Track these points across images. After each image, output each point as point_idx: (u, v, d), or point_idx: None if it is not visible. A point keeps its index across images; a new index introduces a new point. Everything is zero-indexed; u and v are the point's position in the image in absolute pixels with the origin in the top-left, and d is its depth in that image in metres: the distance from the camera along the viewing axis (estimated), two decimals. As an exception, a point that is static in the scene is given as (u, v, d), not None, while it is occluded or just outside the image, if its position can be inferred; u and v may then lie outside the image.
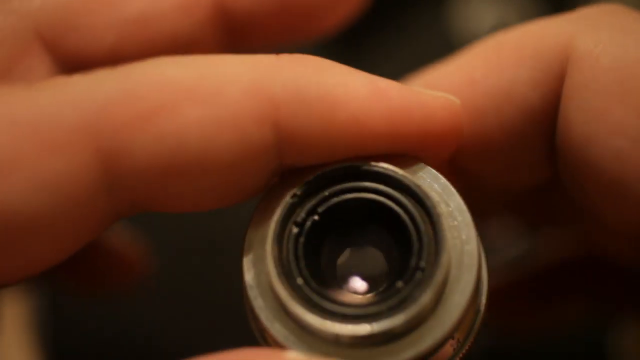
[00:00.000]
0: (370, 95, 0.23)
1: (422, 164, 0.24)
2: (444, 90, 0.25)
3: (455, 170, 0.27)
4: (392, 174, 0.24)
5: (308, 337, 0.23)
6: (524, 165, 0.27)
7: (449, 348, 0.24)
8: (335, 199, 0.24)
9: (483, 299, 0.24)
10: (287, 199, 0.24)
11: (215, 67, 0.23)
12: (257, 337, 0.24)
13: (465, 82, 0.26)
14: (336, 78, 0.23)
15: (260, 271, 0.23)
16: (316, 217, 0.24)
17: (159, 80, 0.22)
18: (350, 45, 0.52)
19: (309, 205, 0.24)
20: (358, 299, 0.24)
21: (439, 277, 0.22)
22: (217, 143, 0.22)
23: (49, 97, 0.22)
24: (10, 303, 0.47)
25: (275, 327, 0.23)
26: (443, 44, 0.51)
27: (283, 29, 0.29)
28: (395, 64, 0.51)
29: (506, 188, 0.28)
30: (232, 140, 0.22)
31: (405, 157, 0.24)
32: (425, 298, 0.22)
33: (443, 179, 0.24)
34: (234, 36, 0.28)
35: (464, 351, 0.24)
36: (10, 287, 0.23)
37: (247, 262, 0.24)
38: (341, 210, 0.24)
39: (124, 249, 0.36)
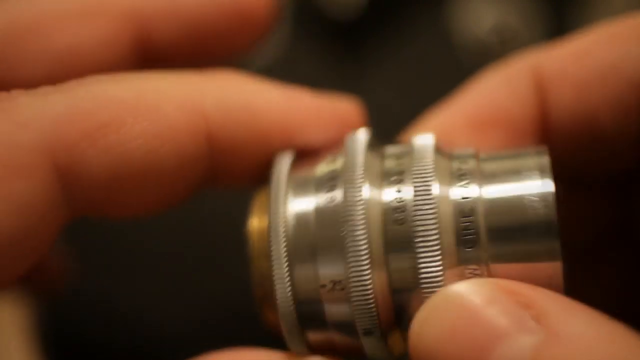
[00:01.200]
0: (286, 100, 0.26)
1: None
2: (551, 61, 0.26)
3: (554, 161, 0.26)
4: None
5: None
6: (629, 147, 0.26)
7: None
8: None
9: None
10: None
11: (151, 84, 0.25)
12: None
13: (572, 55, 0.26)
14: (255, 90, 0.27)
15: None
16: None
17: (103, 97, 0.24)
18: (349, 46, 0.52)
19: None
20: None
21: None
22: (157, 155, 0.24)
23: (1, 121, 0.23)
24: (10, 303, 0.48)
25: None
26: (443, 45, 0.51)
27: (200, 54, 0.31)
28: (395, 64, 0.51)
29: (605, 173, 0.28)
30: (170, 151, 0.25)
31: None
32: None
33: None
34: (154, 62, 0.30)
35: None
36: None
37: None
38: None
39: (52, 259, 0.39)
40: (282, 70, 0.51)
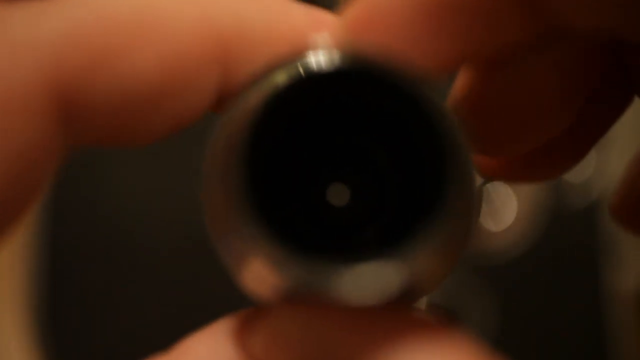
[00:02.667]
0: (310, 25, 0.22)
1: None
2: None
3: (528, 9, 0.22)
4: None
5: None
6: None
7: None
8: None
9: None
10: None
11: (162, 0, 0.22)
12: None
13: None
14: (277, 10, 0.23)
15: None
16: None
17: (110, 15, 0.21)
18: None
19: None
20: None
21: None
22: (170, 82, 0.22)
23: None
24: (10, 304, 0.47)
25: None
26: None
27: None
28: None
29: (600, 28, 0.23)
30: (183, 78, 0.22)
31: None
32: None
33: None
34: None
35: None
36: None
37: None
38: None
39: None
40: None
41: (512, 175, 0.29)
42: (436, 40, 0.21)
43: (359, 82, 0.20)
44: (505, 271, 0.49)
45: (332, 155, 0.22)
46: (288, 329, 0.19)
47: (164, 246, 0.48)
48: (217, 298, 0.46)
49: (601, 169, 0.49)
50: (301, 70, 0.19)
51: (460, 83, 0.24)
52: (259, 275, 0.18)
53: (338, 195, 0.22)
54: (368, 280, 0.17)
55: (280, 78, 0.19)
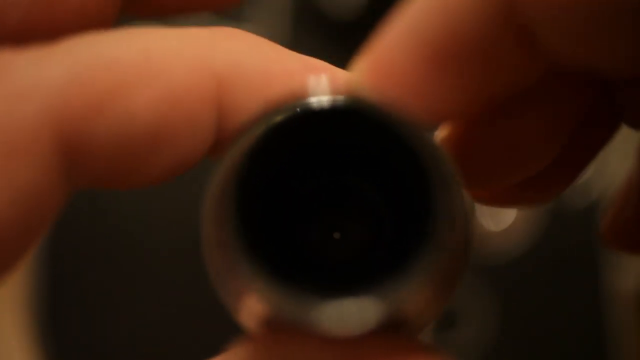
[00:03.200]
0: (304, 71, 0.23)
1: None
2: None
3: (537, 56, 0.22)
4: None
5: None
6: (622, 44, 0.21)
7: None
8: None
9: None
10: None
11: (157, 42, 0.22)
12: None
13: None
14: (271, 53, 0.23)
15: None
16: None
17: (107, 60, 0.22)
18: (349, 46, 0.52)
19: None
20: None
21: None
22: (168, 121, 0.22)
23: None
24: (10, 303, 0.47)
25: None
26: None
27: (184, 4, 0.27)
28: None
29: (593, 68, 0.23)
30: (181, 117, 0.22)
31: None
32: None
33: None
34: (131, 6, 0.27)
35: None
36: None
37: None
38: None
39: None
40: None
41: (502, 203, 0.30)
42: (441, 88, 0.21)
43: (351, 120, 0.20)
44: (505, 271, 0.49)
45: (324, 193, 0.23)
46: (269, 357, 0.20)
47: (164, 246, 0.48)
48: (217, 298, 0.46)
49: (601, 169, 0.49)
50: (297, 108, 0.20)
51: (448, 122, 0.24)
52: (252, 310, 0.20)
53: (329, 231, 0.23)
54: (347, 314, 0.18)
55: (276, 118, 0.20)
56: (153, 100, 0.22)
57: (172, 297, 0.48)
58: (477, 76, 0.22)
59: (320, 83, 0.20)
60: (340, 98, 0.20)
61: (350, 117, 0.20)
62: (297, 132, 0.21)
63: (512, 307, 0.49)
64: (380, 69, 0.22)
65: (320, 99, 0.20)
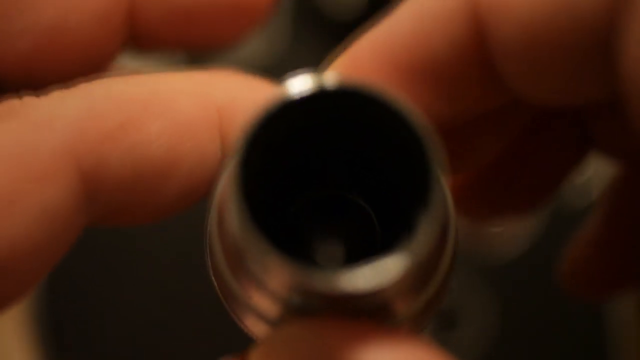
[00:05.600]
0: None
1: None
2: None
3: (498, 85, 0.24)
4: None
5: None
6: (577, 82, 0.22)
7: None
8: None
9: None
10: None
11: (163, 82, 0.25)
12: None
13: None
14: (264, 88, 0.26)
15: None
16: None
17: (120, 97, 0.23)
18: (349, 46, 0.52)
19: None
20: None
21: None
22: (177, 152, 0.24)
23: (21, 124, 0.22)
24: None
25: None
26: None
27: (189, 39, 0.30)
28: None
29: (553, 105, 0.25)
30: (189, 148, 0.24)
31: None
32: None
33: None
34: (140, 42, 0.29)
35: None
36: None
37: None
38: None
39: None
40: (282, 70, 0.51)
41: (480, 219, 0.33)
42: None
43: (339, 105, 0.21)
44: (505, 271, 0.49)
45: (317, 202, 0.25)
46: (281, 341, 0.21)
47: (164, 247, 0.48)
48: (217, 298, 0.46)
49: (601, 169, 0.49)
50: (286, 96, 0.21)
51: None
52: (261, 307, 0.21)
53: (322, 236, 0.24)
54: (367, 274, 0.19)
55: (267, 109, 0.21)
56: (163, 131, 0.23)
57: (173, 297, 0.48)
58: (440, 94, 0.23)
59: (305, 79, 0.21)
60: (328, 83, 0.21)
61: (338, 100, 0.21)
62: (289, 132, 0.22)
63: (512, 307, 0.49)
64: (349, 72, 0.24)
65: (304, 86, 0.21)
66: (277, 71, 0.51)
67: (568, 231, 0.50)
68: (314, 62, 0.56)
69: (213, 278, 0.23)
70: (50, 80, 0.25)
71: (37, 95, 0.23)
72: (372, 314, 0.21)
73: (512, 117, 0.28)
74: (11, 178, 0.21)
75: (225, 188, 0.22)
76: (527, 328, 0.49)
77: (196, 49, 0.30)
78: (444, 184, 0.21)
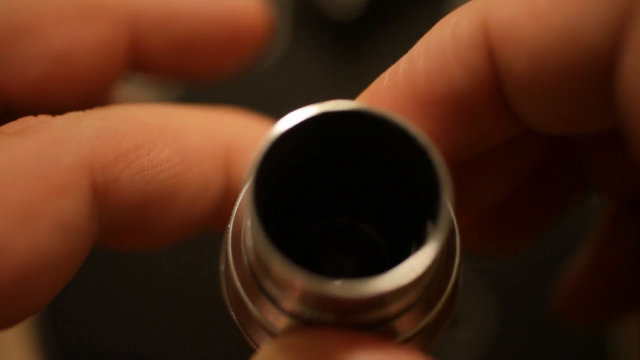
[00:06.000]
0: None
1: None
2: (504, 21, 0.23)
3: (510, 115, 0.25)
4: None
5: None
6: (583, 111, 0.23)
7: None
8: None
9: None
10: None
11: (174, 114, 0.26)
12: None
13: (528, 14, 0.22)
14: (261, 127, 0.28)
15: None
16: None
17: (133, 121, 0.25)
18: (349, 46, 0.52)
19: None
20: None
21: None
22: (184, 178, 0.25)
23: (39, 140, 0.23)
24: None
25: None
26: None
27: (190, 66, 0.31)
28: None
29: (561, 134, 0.26)
30: (195, 175, 0.25)
31: None
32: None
33: None
34: (143, 68, 0.31)
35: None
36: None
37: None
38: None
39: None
40: (282, 70, 0.51)
41: (482, 251, 0.35)
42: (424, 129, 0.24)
43: (350, 123, 0.22)
44: (505, 271, 0.49)
45: (329, 232, 0.26)
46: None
47: (164, 248, 0.48)
48: (218, 298, 0.47)
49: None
50: (296, 118, 0.22)
51: None
52: (274, 325, 0.22)
53: (334, 262, 0.26)
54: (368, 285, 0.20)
55: (278, 131, 0.22)
56: (172, 157, 0.25)
57: (173, 297, 0.48)
58: (457, 124, 0.25)
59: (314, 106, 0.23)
60: (342, 104, 0.22)
61: (346, 121, 0.22)
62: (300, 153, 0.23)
63: (512, 307, 0.49)
64: (373, 102, 0.25)
65: (312, 110, 0.22)
66: (277, 71, 0.51)
67: (568, 231, 0.50)
68: (314, 62, 0.56)
69: (227, 300, 0.24)
70: (58, 106, 0.27)
71: (54, 117, 0.24)
72: (376, 329, 0.22)
73: (522, 153, 0.29)
74: (32, 192, 0.22)
75: (242, 210, 0.23)
76: (526, 328, 0.49)
77: (195, 78, 0.32)
78: (451, 206, 0.22)
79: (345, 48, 0.52)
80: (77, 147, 0.23)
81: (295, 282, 0.21)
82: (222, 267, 0.24)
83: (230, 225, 0.23)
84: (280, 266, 0.20)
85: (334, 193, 0.25)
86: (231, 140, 0.26)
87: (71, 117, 0.24)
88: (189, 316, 0.47)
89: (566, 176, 0.31)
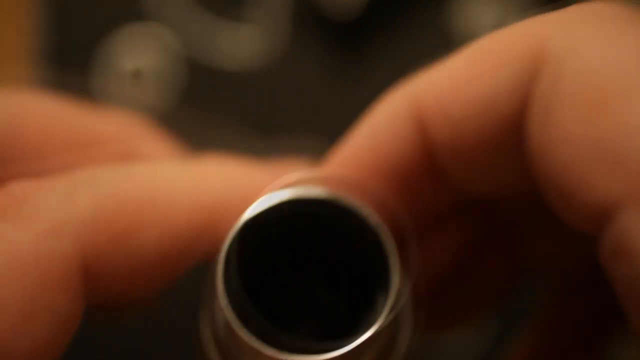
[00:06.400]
0: (270, 182, 0.28)
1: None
2: (430, 96, 0.26)
3: (438, 179, 0.27)
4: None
5: None
6: (503, 173, 0.26)
7: None
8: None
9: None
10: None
11: (162, 181, 0.27)
12: None
13: (449, 89, 0.26)
14: (252, 182, 0.28)
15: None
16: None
17: (123, 199, 0.25)
18: (349, 46, 0.52)
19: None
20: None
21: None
22: (169, 254, 0.26)
23: (35, 231, 0.23)
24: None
25: None
26: (443, 44, 0.51)
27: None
28: (395, 64, 0.51)
29: (488, 195, 0.29)
30: (182, 249, 0.26)
31: None
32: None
33: None
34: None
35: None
36: None
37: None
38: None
39: None
40: (282, 71, 0.51)
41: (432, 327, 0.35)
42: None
43: (312, 209, 0.25)
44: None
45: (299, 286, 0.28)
46: None
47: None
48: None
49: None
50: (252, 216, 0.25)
51: None
52: None
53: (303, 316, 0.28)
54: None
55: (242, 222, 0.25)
56: (160, 237, 0.26)
57: (173, 298, 0.48)
58: (399, 193, 0.27)
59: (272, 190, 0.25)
60: (285, 195, 0.25)
61: (309, 206, 0.25)
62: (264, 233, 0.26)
63: (512, 307, 0.49)
64: (338, 167, 0.28)
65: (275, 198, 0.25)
66: (277, 71, 0.51)
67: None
68: (314, 62, 0.56)
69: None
70: None
71: (39, 188, 0.24)
72: None
73: (458, 229, 0.32)
74: (30, 289, 0.23)
75: (213, 287, 0.25)
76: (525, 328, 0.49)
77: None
78: (401, 277, 0.25)
79: (345, 48, 0.52)
80: (71, 236, 0.24)
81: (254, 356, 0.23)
82: (198, 324, 0.27)
83: (206, 290, 0.26)
84: (243, 339, 0.23)
85: (300, 266, 0.28)
86: (217, 202, 0.27)
87: (62, 195, 0.24)
88: (190, 318, 0.47)
89: (502, 254, 0.34)
